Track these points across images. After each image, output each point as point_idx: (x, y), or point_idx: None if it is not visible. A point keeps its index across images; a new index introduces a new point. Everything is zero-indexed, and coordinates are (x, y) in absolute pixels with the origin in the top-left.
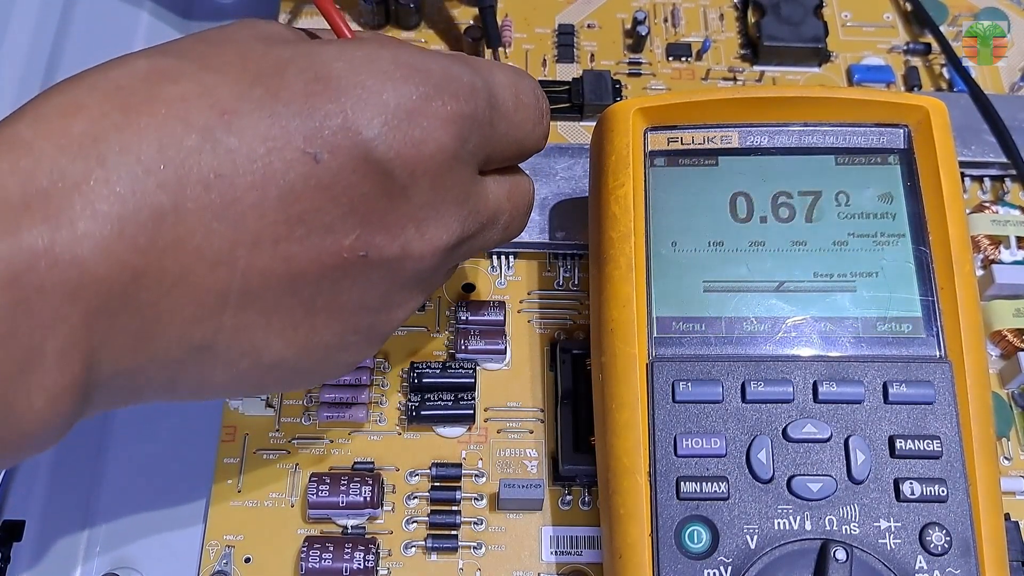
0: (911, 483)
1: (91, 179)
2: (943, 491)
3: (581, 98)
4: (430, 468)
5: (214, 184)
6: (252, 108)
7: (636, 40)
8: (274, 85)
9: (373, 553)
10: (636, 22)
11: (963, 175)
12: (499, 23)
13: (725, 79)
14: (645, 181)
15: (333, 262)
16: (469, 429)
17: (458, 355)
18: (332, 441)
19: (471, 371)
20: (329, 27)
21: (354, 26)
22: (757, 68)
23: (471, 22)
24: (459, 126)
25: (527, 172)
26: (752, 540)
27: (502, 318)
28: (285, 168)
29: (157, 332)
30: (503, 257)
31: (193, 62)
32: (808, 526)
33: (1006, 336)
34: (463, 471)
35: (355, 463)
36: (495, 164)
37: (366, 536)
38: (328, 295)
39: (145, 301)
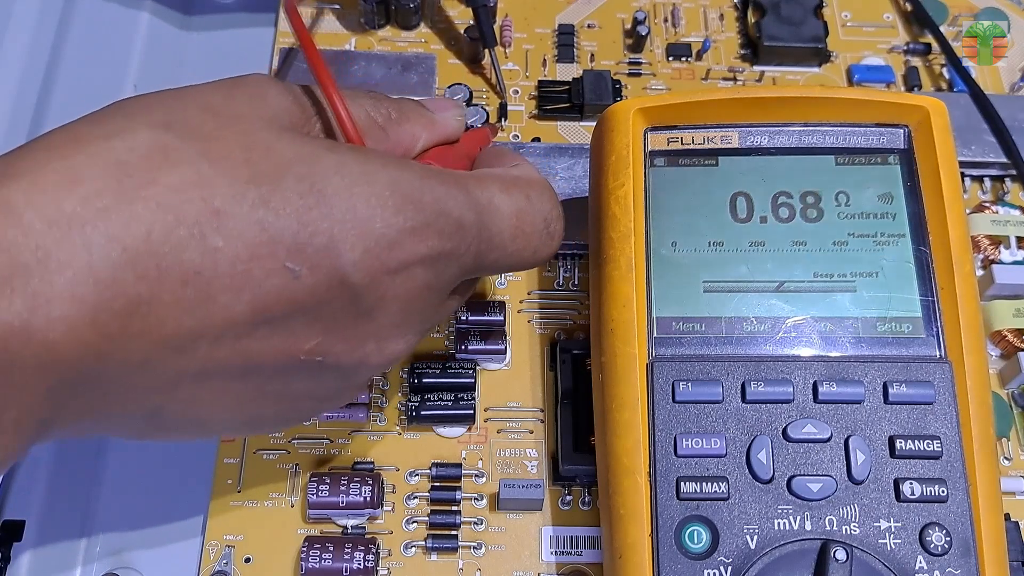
0: (911, 483)
1: (73, 263)
2: (943, 491)
3: (581, 98)
4: (430, 468)
5: (192, 281)
6: (244, 211)
7: (636, 40)
8: (269, 191)
9: (373, 553)
10: (636, 22)
11: (963, 175)
12: (498, 23)
13: (725, 79)
14: (645, 181)
15: (289, 362)
16: (469, 429)
17: (458, 355)
18: (332, 441)
19: (471, 371)
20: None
21: (350, 47)
22: (757, 68)
23: (471, 22)
24: (437, 262)
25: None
26: (752, 540)
27: (502, 318)
28: (263, 277)
29: (113, 401)
30: None
31: (194, 145)
32: (808, 526)
33: (1006, 336)
34: (463, 471)
35: (355, 463)
36: (475, 277)
37: (366, 536)
38: (279, 385)
39: (107, 378)
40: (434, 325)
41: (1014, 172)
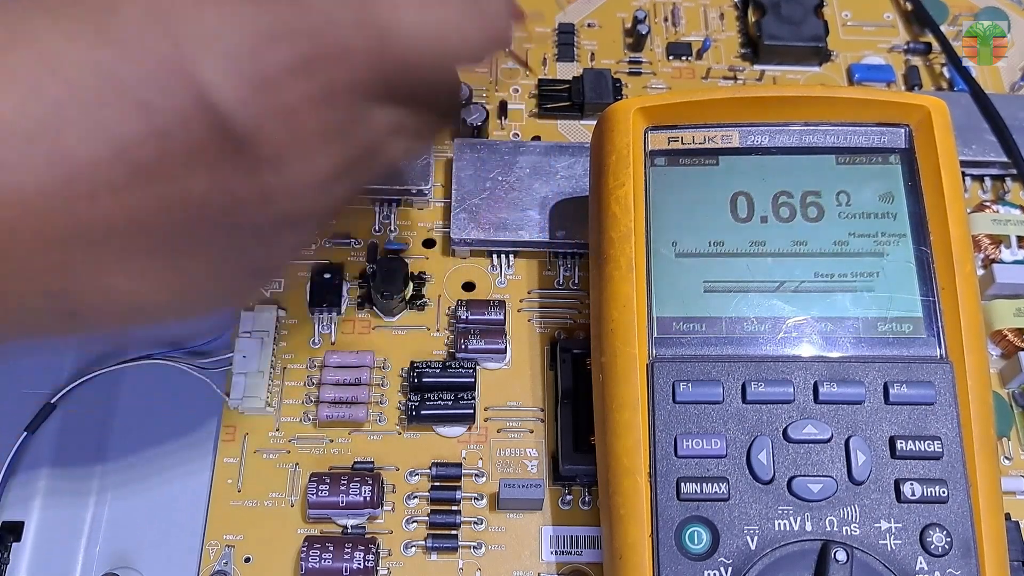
0: (912, 484)
1: None
2: (944, 492)
3: (581, 97)
4: (430, 468)
5: (39, 137)
6: (79, 54)
7: (636, 39)
8: (105, 22)
9: (373, 553)
10: (636, 21)
11: (964, 174)
12: None
13: (725, 78)
14: (645, 181)
15: (183, 211)
16: (469, 429)
17: (458, 355)
18: (332, 441)
19: (471, 371)
20: None
21: None
22: (757, 67)
23: None
24: (312, 65)
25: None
26: (752, 541)
27: (502, 317)
28: (118, 119)
29: (2, 284)
30: (503, 256)
31: (34, 1)
32: (808, 527)
33: (1007, 336)
34: (463, 471)
35: (355, 463)
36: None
37: (366, 536)
38: (188, 240)
39: None
40: (351, 147)
41: (1015, 171)
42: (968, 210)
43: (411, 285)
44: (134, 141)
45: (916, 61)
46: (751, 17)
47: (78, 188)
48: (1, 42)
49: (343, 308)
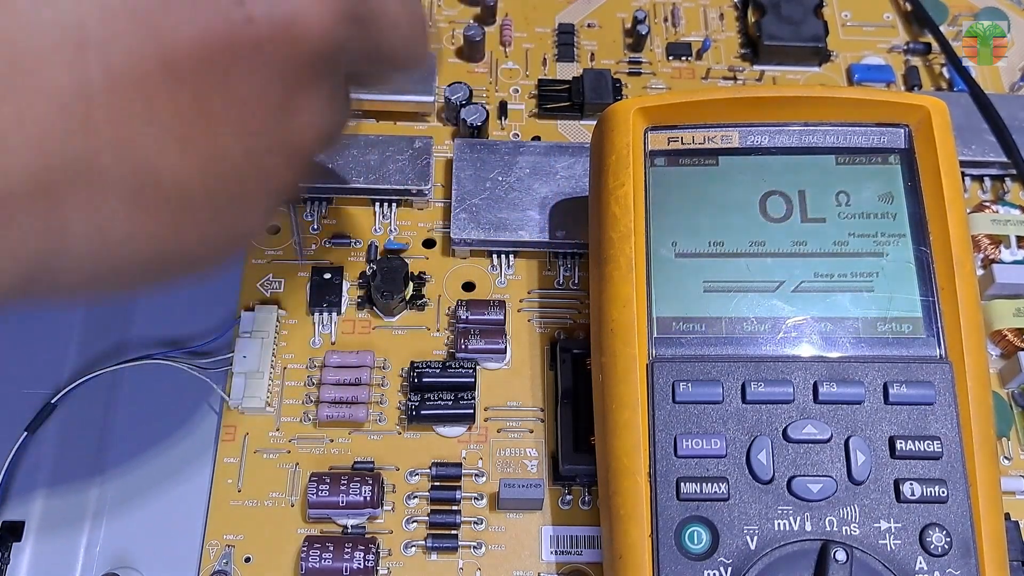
0: (911, 484)
1: None
2: (943, 492)
3: (581, 97)
4: (430, 468)
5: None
6: None
7: (636, 39)
8: None
9: (373, 553)
10: (636, 21)
11: (963, 175)
12: (498, 22)
13: (725, 79)
14: (645, 181)
15: (215, 38)
16: (469, 429)
17: (458, 355)
18: (332, 441)
19: (471, 371)
20: None
21: None
22: (757, 68)
23: (471, 21)
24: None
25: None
26: (752, 541)
27: (502, 317)
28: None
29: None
30: (503, 256)
31: None
32: (808, 527)
33: (1006, 336)
34: (463, 471)
35: (355, 463)
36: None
37: (366, 536)
38: (220, 86)
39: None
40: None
41: (1014, 171)
42: (968, 210)
43: (411, 285)
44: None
45: (916, 61)
46: (751, 17)
47: (116, 23)
48: None
49: (343, 308)
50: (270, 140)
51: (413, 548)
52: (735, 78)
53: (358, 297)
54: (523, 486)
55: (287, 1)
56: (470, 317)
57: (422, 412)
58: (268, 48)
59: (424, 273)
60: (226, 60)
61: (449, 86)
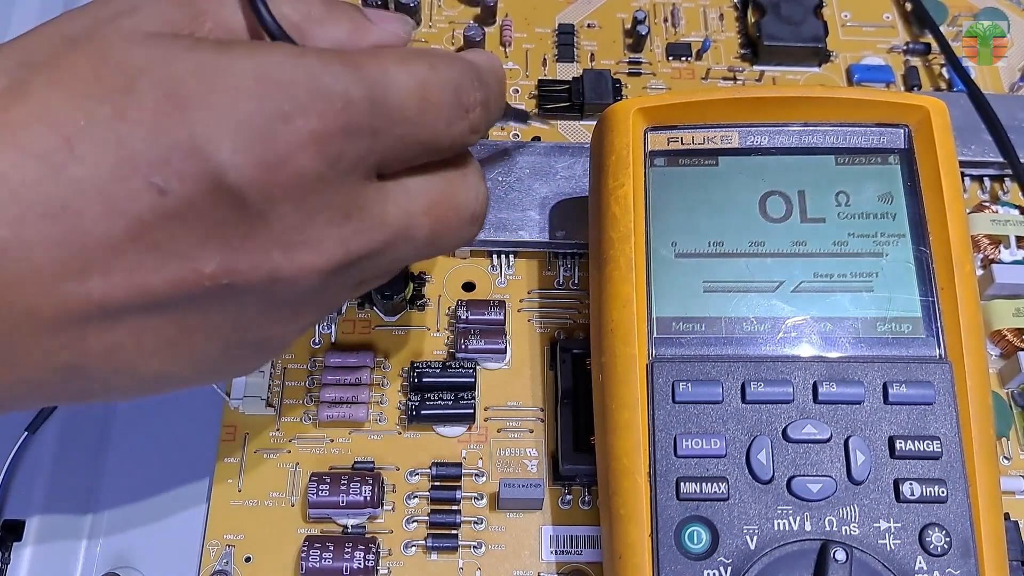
0: (911, 484)
1: None
2: (943, 492)
3: (581, 97)
4: (430, 467)
5: (59, 216)
6: (98, 132)
7: (636, 40)
8: (122, 103)
9: (373, 552)
10: (636, 22)
11: (963, 175)
12: (498, 22)
13: (725, 79)
14: (645, 181)
15: (194, 290)
16: (469, 428)
17: (458, 355)
18: (332, 441)
19: (471, 371)
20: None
21: None
22: (757, 68)
23: (471, 22)
24: (323, 145)
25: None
26: (752, 541)
27: (502, 317)
28: (132, 197)
29: (14, 360)
30: (503, 256)
31: (43, 73)
32: (808, 527)
33: (1006, 336)
34: (463, 470)
35: (355, 463)
36: (400, 166)
37: (366, 535)
38: (198, 316)
39: None
40: (360, 234)
41: (1010, 172)
42: (967, 210)
43: (411, 285)
44: (148, 221)
45: (915, 62)
46: (751, 18)
47: (93, 267)
48: (21, 118)
49: (343, 308)
50: (247, 343)
51: (413, 548)
52: (735, 78)
53: (358, 297)
54: (523, 486)
55: (263, 265)
56: (470, 317)
57: (422, 412)
58: (245, 296)
59: (424, 273)
60: (203, 301)
61: None
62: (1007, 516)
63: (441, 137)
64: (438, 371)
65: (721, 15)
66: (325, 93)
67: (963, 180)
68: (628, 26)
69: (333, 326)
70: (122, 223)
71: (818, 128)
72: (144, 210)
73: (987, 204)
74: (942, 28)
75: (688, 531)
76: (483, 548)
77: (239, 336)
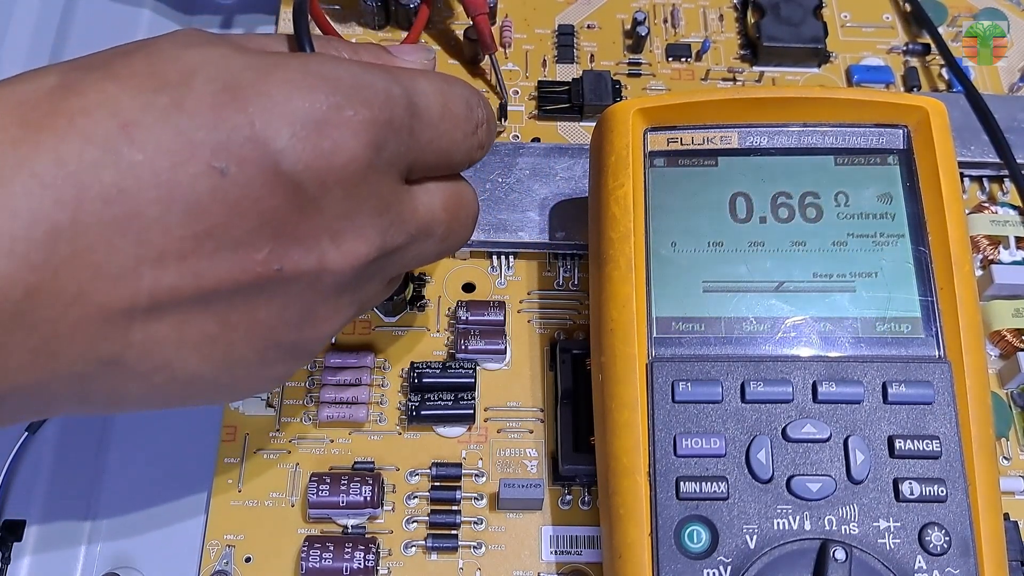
0: (910, 483)
1: None
2: (942, 491)
3: (581, 98)
4: (430, 468)
5: (115, 199)
6: (155, 119)
7: (636, 40)
8: (180, 94)
9: (373, 553)
10: (636, 23)
11: (962, 175)
12: (498, 23)
13: (725, 80)
14: (645, 181)
15: (246, 278)
16: (469, 429)
17: (458, 355)
18: (332, 441)
19: (471, 371)
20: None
21: (350, 31)
22: (757, 69)
23: (471, 22)
24: (372, 134)
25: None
26: (752, 540)
27: (502, 318)
28: (191, 182)
29: (58, 348)
30: (503, 257)
31: (99, 71)
32: (807, 526)
33: (1005, 336)
34: (463, 471)
35: (355, 463)
36: (421, 173)
37: (366, 536)
38: (244, 311)
39: (42, 318)
40: (395, 225)
41: (1006, 172)
42: (967, 211)
43: (411, 286)
44: (205, 206)
45: (915, 62)
46: (750, 18)
47: (147, 252)
48: (79, 107)
49: None
50: (283, 346)
51: (413, 548)
52: (734, 79)
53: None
54: (523, 486)
55: (313, 252)
56: (470, 318)
57: (422, 412)
58: (292, 286)
59: (424, 274)
60: (252, 293)
61: None
62: (1007, 516)
63: (458, 147)
64: (438, 371)
65: (721, 16)
66: (369, 87)
67: (962, 181)
68: (628, 27)
69: None
70: (180, 207)
71: (817, 128)
72: (202, 193)
73: (986, 205)
74: (942, 28)
75: (688, 530)
76: (483, 548)
77: (276, 337)
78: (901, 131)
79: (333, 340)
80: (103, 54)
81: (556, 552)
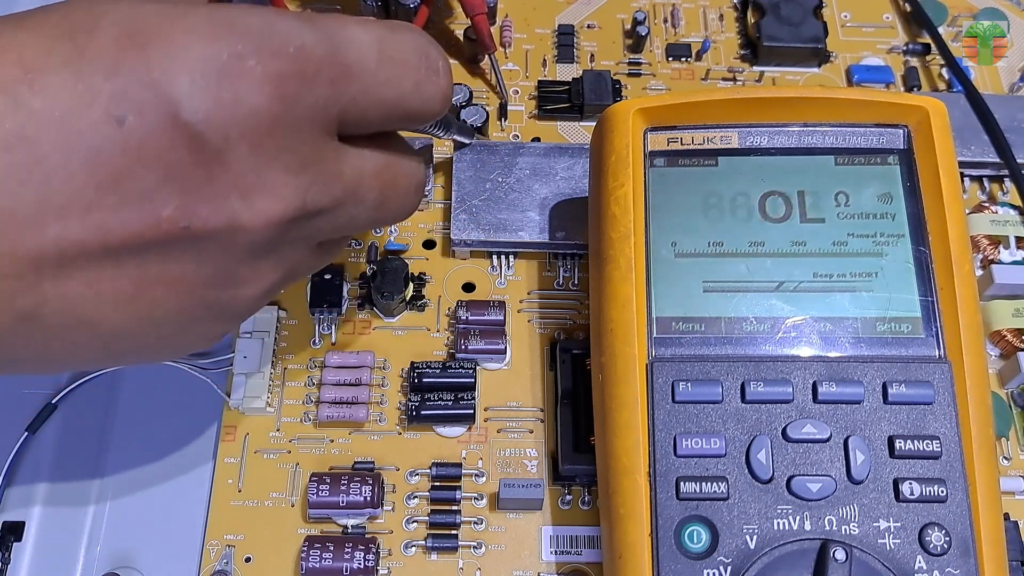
0: (910, 483)
1: None
2: (942, 491)
3: (581, 98)
4: (430, 468)
5: (15, 146)
6: (57, 65)
7: (636, 40)
8: (83, 40)
9: (373, 553)
10: (636, 22)
11: (962, 175)
12: (498, 23)
13: (725, 79)
14: (645, 181)
15: (153, 234)
16: (469, 429)
17: (458, 355)
18: (332, 441)
19: (471, 371)
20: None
21: None
22: (757, 68)
23: (471, 23)
24: (278, 86)
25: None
26: (752, 540)
27: (502, 318)
28: (90, 130)
29: None
30: (503, 257)
31: (14, 22)
32: (808, 526)
33: (1005, 336)
34: (463, 471)
35: (355, 463)
36: (361, 129)
37: (366, 536)
38: (158, 268)
39: None
40: (316, 185)
41: (1006, 172)
42: (967, 211)
43: (411, 286)
44: (106, 154)
45: (915, 62)
46: (750, 18)
47: (50, 201)
48: None
49: (343, 308)
50: (208, 305)
51: (413, 548)
52: (734, 79)
53: (358, 297)
54: (523, 486)
55: (222, 210)
56: (470, 318)
57: (422, 412)
58: (204, 244)
59: (424, 274)
60: (163, 250)
61: None
62: (1007, 516)
63: (408, 97)
64: (438, 371)
65: (721, 16)
66: (280, 37)
67: (963, 181)
68: (628, 27)
69: (333, 327)
70: (80, 155)
71: (818, 128)
72: (102, 142)
73: (987, 205)
74: (942, 28)
75: (688, 531)
76: (483, 548)
77: (199, 295)
78: (901, 131)
79: (333, 337)
80: (25, 12)
81: (556, 552)
